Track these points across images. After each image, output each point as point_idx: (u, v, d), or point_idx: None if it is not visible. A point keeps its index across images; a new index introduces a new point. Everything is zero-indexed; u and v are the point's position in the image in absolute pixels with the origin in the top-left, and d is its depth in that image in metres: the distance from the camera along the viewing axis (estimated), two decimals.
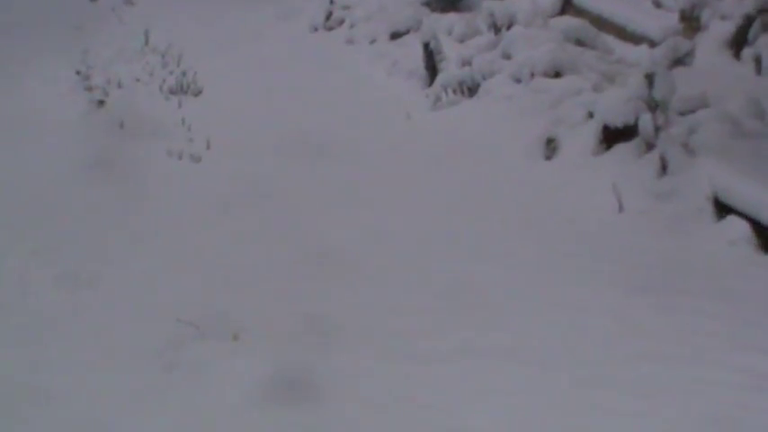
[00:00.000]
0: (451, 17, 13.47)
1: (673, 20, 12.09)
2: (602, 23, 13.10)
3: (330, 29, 15.88)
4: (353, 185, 9.14)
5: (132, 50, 14.36)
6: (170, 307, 6.51)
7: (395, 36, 14.32)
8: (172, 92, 11.43)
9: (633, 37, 12.69)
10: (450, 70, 11.87)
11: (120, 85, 11.67)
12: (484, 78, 11.37)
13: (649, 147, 8.90)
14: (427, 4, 15.48)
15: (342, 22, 15.77)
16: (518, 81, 11.01)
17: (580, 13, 13.63)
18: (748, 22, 11.29)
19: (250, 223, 8.18)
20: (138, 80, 11.98)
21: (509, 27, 12.06)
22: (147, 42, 14.21)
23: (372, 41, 14.48)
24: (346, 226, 8.07)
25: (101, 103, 11.17)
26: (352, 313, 6.49)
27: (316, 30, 15.98)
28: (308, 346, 6.06)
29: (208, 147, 10.15)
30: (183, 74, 11.73)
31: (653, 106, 8.87)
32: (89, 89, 11.48)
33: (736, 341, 5.99)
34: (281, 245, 7.70)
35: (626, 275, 7.05)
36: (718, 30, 11.53)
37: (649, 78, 8.86)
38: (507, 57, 11.50)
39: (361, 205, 8.67)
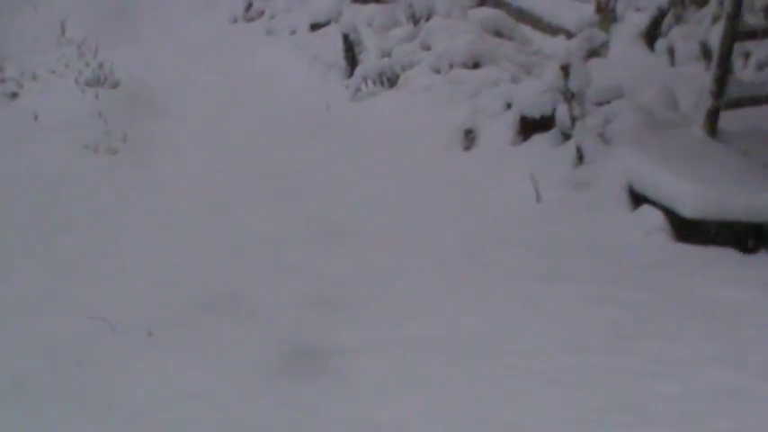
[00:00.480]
0: (371, 8, 13.46)
1: (589, 11, 12.22)
2: (520, 15, 13.20)
3: (250, 20, 15.79)
4: (269, 175, 9.12)
5: (48, 41, 14.16)
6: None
7: (315, 27, 14.28)
8: (88, 84, 11.29)
9: (550, 28, 12.81)
10: (369, 61, 11.88)
11: (34, 77, 11.50)
12: (403, 69, 11.40)
13: (566, 137, 9.00)
14: None
15: (262, 13, 15.69)
16: (437, 72, 11.06)
17: (499, 4, 13.71)
18: (662, 13, 11.45)
19: (159, 217, 8.14)
20: (53, 72, 11.82)
21: (428, 18, 12.10)
22: (63, 33, 14.03)
23: (292, 32, 14.42)
24: (269, 217, 8.07)
25: (14, 95, 10.99)
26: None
27: (235, 21, 15.89)
28: None
29: (125, 140, 10.05)
30: (100, 66, 11.59)
31: (569, 97, 8.95)
32: (2, 81, 11.28)
33: (649, 329, 6.09)
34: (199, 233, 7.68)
35: (544, 265, 7.13)
36: (633, 21, 11.68)
37: (565, 70, 8.95)
38: (426, 48, 11.54)
39: (280, 195, 8.65)
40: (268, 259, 7.24)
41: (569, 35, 11.90)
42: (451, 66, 10.94)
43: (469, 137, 9.72)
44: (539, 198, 8.41)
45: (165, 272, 6.99)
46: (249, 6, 15.99)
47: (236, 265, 7.12)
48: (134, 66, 12.54)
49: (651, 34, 11.49)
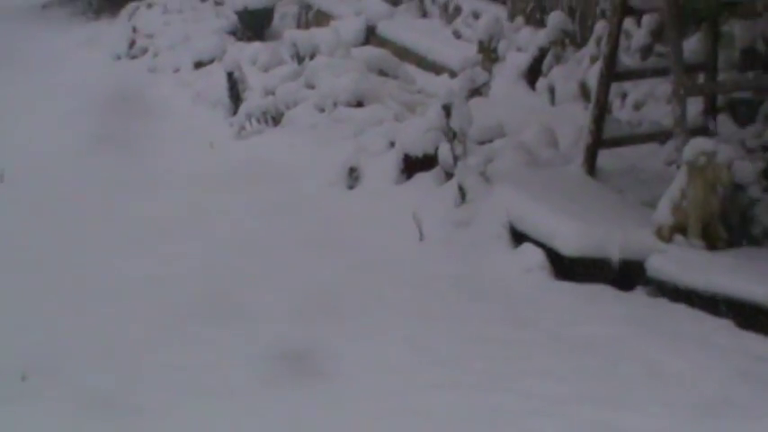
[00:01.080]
0: (256, 46, 13.47)
1: (472, 51, 12.37)
2: (404, 53, 13.32)
3: (133, 57, 15.69)
4: (151, 219, 9.02)
5: None
6: None
7: (199, 65, 14.24)
8: None
9: (434, 67, 12.95)
10: (254, 99, 11.86)
11: None
12: (287, 107, 11.41)
13: (448, 176, 9.07)
14: (233, 33, 15.47)
15: (145, 50, 15.59)
16: (321, 110, 11.09)
17: (384, 43, 13.83)
18: (542, 53, 11.64)
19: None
20: None
21: (312, 57, 12.14)
22: None
23: (176, 70, 14.35)
24: (139, 263, 7.97)
25: None
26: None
27: (119, 58, 15.77)
28: None
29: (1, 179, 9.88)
30: None
31: (451, 136, 9.04)
32: None
33: (527, 366, 6.13)
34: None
35: (425, 303, 7.15)
36: (515, 61, 11.86)
37: (447, 109, 9.04)
38: (311, 86, 11.56)
39: (160, 236, 8.56)
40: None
41: (453, 74, 12.04)
42: (335, 104, 10.98)
43: (353, 175, 9.75)
44: (421, 236, 8.46)
45: None
46: (132, 44, 15.88)
47: None
48: (13, 104, 12.35)
49: (532, 74, 11.68)
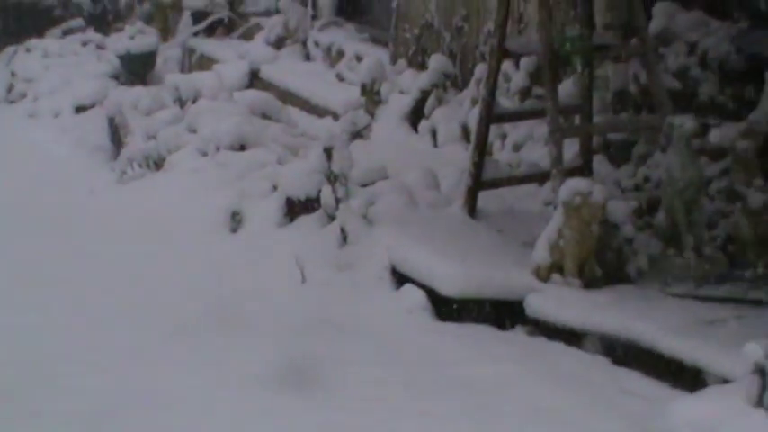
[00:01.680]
0: (137, 90, 13.39)
1: (355, 93, 12.49)
2: (288, 97, 13.39)
3: (11, 102, 15.47)
4: (35, 267, 8.90)
5: None
6: None
7: (80, 109, 14.10)
8: None
9: (318, 110, 13.04)
10: (135, 143, 11.79)
11: None
12: (170, 152, 11.35)
13: (331, 218, 9.12)
14: (115, 78, 15.37)
15: (24, 95, 15.39)
16: (204, 154, 11.05)
17: (268, 86, 13.89)
18: (424, 96, 11.81)
19: None
20: None
21: (195, 101, 12.12)
22: None
23: (57, 115, 14.19)
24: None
25: None
26: None
27: None
28: None
29: None
30: None
31: (332, 179, 9.10)
32: None
33: (408, 408, 6.18)
34: None
35: (307, 346, 7.14)
36: (397, 103, 12.00)
37: (328, 152, 9.10)
38: (193, 130, 11.54)
39: (38, 282, 8.44)
40: None
41: (336, 117, 12.12)
42: (218, 148, 10.96)
43: (236, 219, 9.73)
44: (304, 279, 8.48)
45: None
46: (11, 89, 15.66)
47: None
48: None
49: (415, 116, 11.83)
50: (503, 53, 8.84)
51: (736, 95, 9.21)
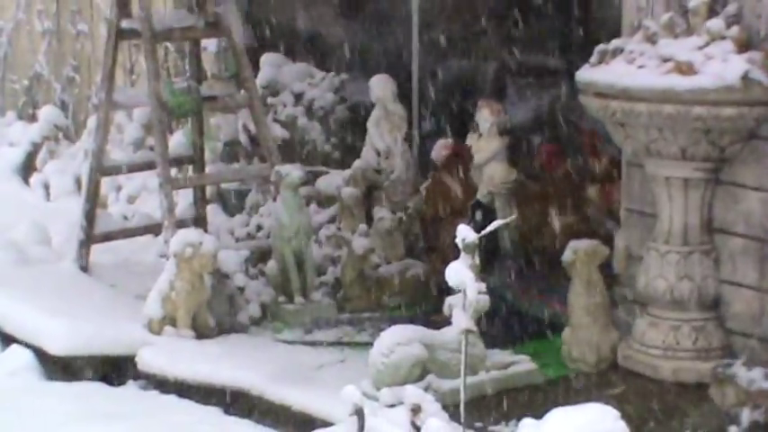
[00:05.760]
0: None
1: None
2: None
3: None
4: None
5: None
6: None
7: None
8: None
9: None
10: None
11: None
12: None
13: None
14: None
15: None
16: None
17: None
18: (36, 148, 11.52)
19: None
20: None
21: None
22: None
23: None
24: None
25: None
26: None
27: None
28: None
29: None
30: None
31: None
32: None
33: None
34: None
35: None
36: (7, 156, 11.63)
37: None
38: None
39: None
40: None
41: None
42: None
43: None
44: None
45: None
46: None
47: None
48: None
49: (26, 169, 11.51)
50: (111, 105, 8.77)
51: (341, 143, 9.57)
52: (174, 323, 7.64)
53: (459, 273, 5.39)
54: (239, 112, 9.62)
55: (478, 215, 7.68)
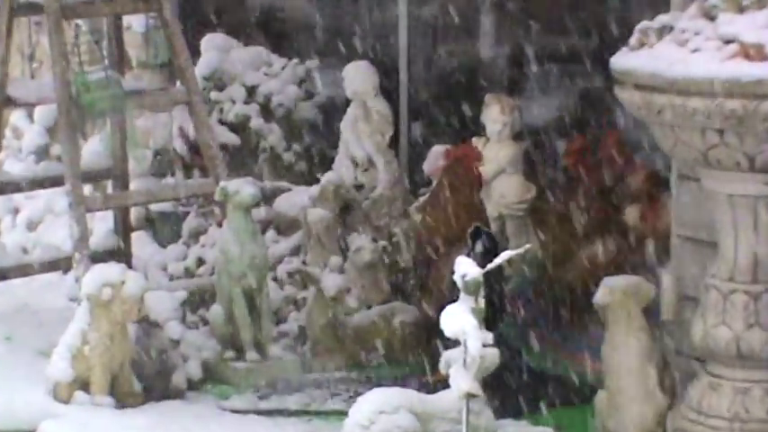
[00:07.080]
0: None
1: None
2: None
3: None
4: None
5: None
6: None
7: None
8: None
9: None
10: None
11: None
12: None
13: None
14: None
15: None
16: None
17: None
18: None
19: None
20: None
21: None
22: None
23: None
24: None
25: None
26: None
27: None
28: None
29: None
30: None
31: None
32: None
33: None
34: None
35: None
36: None
37: None
38: None
39: None
40: None
41: None
42: None
43: None
44: None
45: None
46: None
47: None
48: None
49: None
50: (5, 101, 8.76)
51: (306, 151, 9.58)
52: (87, 387, 7.63)
53: (459, 319, 5.39)
54: (174, 111, 9.63)
55: (479, 246, 7.65)
